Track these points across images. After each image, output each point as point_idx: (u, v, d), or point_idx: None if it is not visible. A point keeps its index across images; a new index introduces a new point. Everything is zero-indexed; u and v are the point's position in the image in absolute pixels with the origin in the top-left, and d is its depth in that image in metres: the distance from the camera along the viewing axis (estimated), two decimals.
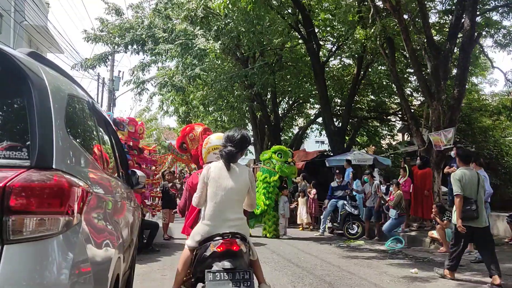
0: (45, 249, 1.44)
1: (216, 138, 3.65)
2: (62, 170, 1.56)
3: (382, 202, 9.77)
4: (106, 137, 2.89)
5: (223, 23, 12.04)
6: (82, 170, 1.82)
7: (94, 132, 2.42)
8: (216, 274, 2.71)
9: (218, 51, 11.92)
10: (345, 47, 15.90)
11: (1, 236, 1.37)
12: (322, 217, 11.12)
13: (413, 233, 9.50)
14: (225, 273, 2.71)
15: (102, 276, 1.80)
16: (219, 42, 12.02)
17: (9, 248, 1.38)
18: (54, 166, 1.54)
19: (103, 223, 2.00)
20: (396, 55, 12.70)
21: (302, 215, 11.65)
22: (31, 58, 1.75)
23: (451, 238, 5.69)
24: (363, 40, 11.53)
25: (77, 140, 1.88)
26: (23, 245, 1.40)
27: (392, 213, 8.92)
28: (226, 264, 2.74)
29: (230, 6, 9.87)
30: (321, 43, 16.04)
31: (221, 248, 2.78)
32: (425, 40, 10.12)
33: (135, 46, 13.26)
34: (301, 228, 11.76)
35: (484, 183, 6.67)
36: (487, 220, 5.61)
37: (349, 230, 10.08)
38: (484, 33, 12.81)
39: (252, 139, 20.42)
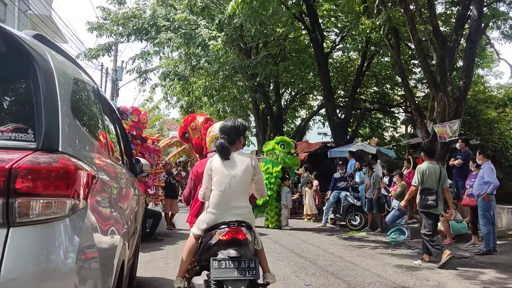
0: (52, 232, 1.42)
1: (219, 127, 3.62)
2: (69, 153, 1.54)
3: (386, 193, 9.74)
4: (111, 124, 2.86)
5: (226, 15, 11.92)
6: (88, 154, 1.79)
7: (100, 118, 2.39)
8: (222, 262, 2.70)
9: (220, 45, 11.79)
10: (349, 38, 15.75)
11: (7, 219, 1.36)
12: (324, 208, 11.12)
13: (416, 225, 9.47)
14: (230, 261, 2.70)
15: (108, 262, 1.79)
16: (223, 33, 11.92)
17: (16, 230, 1.36)
18: (60, 149, 1.52)
19: (108, 209, 1.99)
20: (400, 46, 12.56)
21: (310, 206, 11.69)
22: (37, 41, 1.71)
23: (424, 225, 6.25)
24: (367, 31, 11.40)
25: (83, 124, 1.86)
26: (30, 228, 1.38)
27: (395, 203, 8.90)
28: (232, 252, 2.73)
29: (241, 8, 9.66)
30: (325, 34, 15.89)
31: (227, 237, 2.77)
32: (431, 30, 9.99)
33: (138, 35, 13.18)
34: (306, 219, 11.78)
35: (487, 174, 6.69)
36: (442, 209, 6.34)
37: (352, 221, 10.08)
38: (491, 24, 12.64)
39: (254, 130, 20.38)
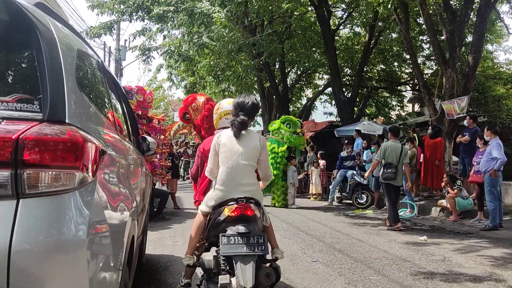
0: (62, 205, 1.40)
1: (227, 104, 3.57)
2: (76, 125, 1.51)
3: None
4: (117, 100, 2.83)
5: None
6: (95, 128, 1.76)
7: (105, 93, 2.35)
8: (231, 238, 2.69)
9: (223, 19, 11.56)
10: (356, 14, 15.41)
11: (16, 190, 1.34)
12: (331, 187, 11.14)
13: (422, 202, 9.49)
14: (239, 237, 2.69)
15: (118, 237, 1.78)
16: (226, 9, 11.69)
17: (25, 202, 1.34)
18: (67, 121, 1.48)
19: (117, 184, 1.97)
20: (409, 21, 12.28)
21: (316, 185, 11.71)
22: (39, 9, 1.66)
23: (386, 195, 7.27)
24: (375, 5, 11.13)
25: (89, 97, 1.82)
26: (39, 199, 1.37)
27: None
28: (241, 228, 2.72)
29: None
30: (332, 10, 15.56)
31: (236, 213, 2.75)
32: (441, 4, 9.75)
33: (140, 13, 12.98)
34: (312, 198, 11.83)
35: (494, 150, 6.68)
36: (402, 181, 7.37)
37: (358, 199, 10.09)
38: None
39: (260, 109, 20.25)
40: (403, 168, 7.13)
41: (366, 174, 8.90)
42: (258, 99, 19.20)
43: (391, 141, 7.32)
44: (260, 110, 19.97)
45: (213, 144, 3.00)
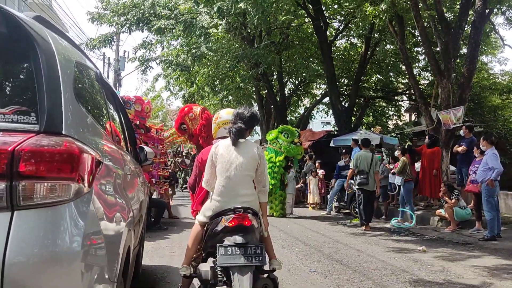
0: (57, 216, 1.40)
1: (226, 114, 3.58)
2: (72, 137, 1.51)
3: (392, 181, 9.68)
4: (114, 110, 2.83)
5: (227, 2, 11.77)
6: (92, 139, 1.76)
7: (103, 103, 2.36)
8: (228, 248, 2.68)
9: (221, 33, 11.61)
10: (352, 25, 15.57)
11: (11, 202, 1.34)
12: (329, 196, 11.12)
13: (420, 212, 9.48)
14: (237, 248, 2.68)
15: (114, 249, 1.77)
16: (224, 21, 11.78)
17: (20, 214, 1.34)
18: (63, 132, 1.49)
19: (114, 195, 1.96)
20: (404, 33, 12.40)
21: (314, 194, 11.69)
22: (37, 22, 1.68)
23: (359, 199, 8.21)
24: (371, 18, 11.26)
25: (87, 109, 1.83)
26: (34, 211, 1.36)
27: (398, 179, 8.86)
28: (238, 238, 2.70)
29: None
30: (328, 21, 15.72)
31: (233, 223, 2.74)
32: (436, 16, 9.87)
33: (140, 25, 13.09)
34: (310, 208, 11.80)
35: (491, 160, 6.72)
36: (375, 186, 8.17)
37: (356, 209, 10.04)
38: (495, 10, 12.46)
39: (259, 121, 20.25)
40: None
41: (345, 184, 9.55)
42: (257, 109, 19.29)
43: (363, 151, 8.40)
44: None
45: (210, 155, 3.00)
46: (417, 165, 9.90)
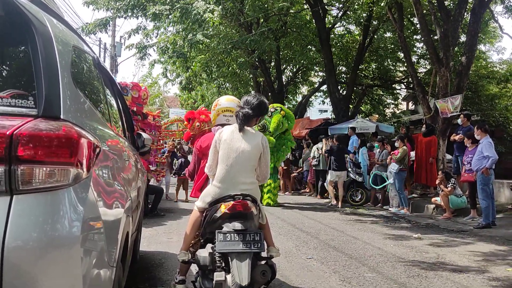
0: (56, 201, 1.39)
1: (225, 100, 3.55)
2: (71, 121, 1.50)
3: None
4: (112, 96, 2.81)
5: None
6: (90, 124, 1.75)
7: (101, 88, 2.33)
8: (227, 234, 2.68)
9: (217, 18, 11.44)
10: (351, 12, 15.42)
11: (10, 186, 1.33)
12: (325, 184, 11.14)
13: (416, 199, 9.56)
14: (235, 234, 2.68)
15: (113, 234, 1.77)
16: (220, 6, 11.61)
17: (19, 198, 1.33)
18: (62, 117, 1.47)
19: (112, 181, 1.96)
20: (403, 21, 12.32)
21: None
22: (34, 5, 1.64)
23: None
24: (370, 3, 11.15)
25: (85, 93, 1.81)
26: (33, 195, 1.36)
27: (394, 167, 8.81)
28: (237, 225, 2.71)
29: None
30: (327, 8, 15.55)
31: (232, 210, 2.75)
32: (436, 4, 9.79)
33: (135, 11, 12.88)
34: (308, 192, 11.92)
35: (486, 148, 6.79)
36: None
37: (353, 197, 10.13)
38: None
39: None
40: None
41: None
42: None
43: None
44: None
45: (214, 141, 2.97)
46: (412, 154, 9.89)
